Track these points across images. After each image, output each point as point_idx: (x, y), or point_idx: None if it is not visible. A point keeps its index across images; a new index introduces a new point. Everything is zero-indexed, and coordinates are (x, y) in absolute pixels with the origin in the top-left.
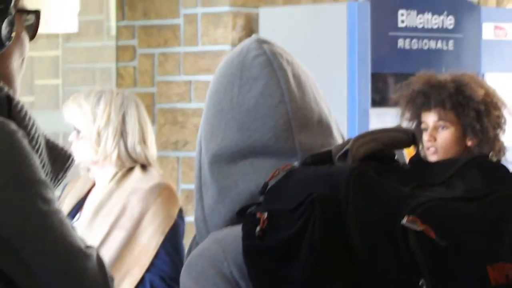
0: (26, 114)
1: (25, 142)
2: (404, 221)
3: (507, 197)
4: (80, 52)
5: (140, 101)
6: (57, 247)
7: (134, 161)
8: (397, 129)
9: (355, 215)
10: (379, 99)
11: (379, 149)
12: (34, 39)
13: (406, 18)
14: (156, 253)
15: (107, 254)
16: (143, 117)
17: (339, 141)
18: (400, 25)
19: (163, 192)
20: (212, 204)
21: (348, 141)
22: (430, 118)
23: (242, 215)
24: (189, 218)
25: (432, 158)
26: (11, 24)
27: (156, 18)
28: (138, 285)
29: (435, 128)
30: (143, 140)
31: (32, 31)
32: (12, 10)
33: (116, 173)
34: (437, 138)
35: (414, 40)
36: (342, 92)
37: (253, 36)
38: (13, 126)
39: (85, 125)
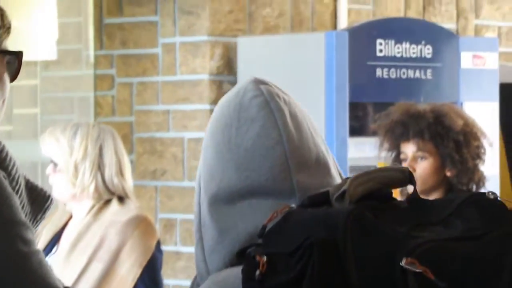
0: (7, 154)
1: (5, 183)
2: (403, 263)
3: (505, 235)
4: (58, 81)
5: (116, 133)
6: None
7: (112, 193)
8: (394, 168)
9: (354, 258)
10: (358, 128)
11: (376, 189)
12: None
13: (384, 47)
14: (134, 286)
15: (85, 287)
16: (120, 149)
17: (337, 179)
18: (378, 54)
19: (141, 224)
20: (212, 245)
21: (345, 181)
22: (409, 149)
23: (241, 257)
24: (168, 248)
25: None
26: None
27: (134, 47)
28: None
29: (414, 159)
30: (120, 172)
31: (14, 72)
32: None
33: (93, 206)
34: (416, 169)
35: (393, 69)
36: (320, 121)
37: (250, 78)
38: None
39: (62, 158)
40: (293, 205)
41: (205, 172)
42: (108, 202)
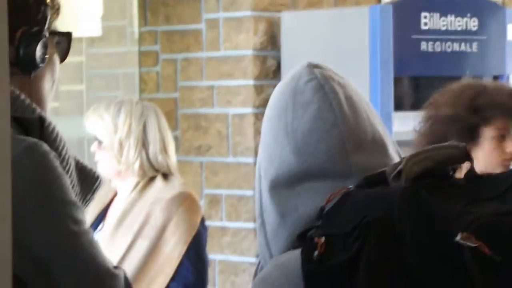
0: (57, 135)
1: (56, 163)
2: (458, 238)
3: None
4: (104, 57)
5: (159, 110)
6: (86, 267)
7: (156, 170)
8: (451, 146)
9: (410, 235)
10: (402, 103)
11: (432, 167)
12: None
13: (429, 20)
14: (180, 262)
15: (131, 264)
16: (164, 126)
17: (396, 159)
18: (423, 27)
19: (185, 201)
20: (274, 229)
21: (401, 161)
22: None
23: (302, 239)
24: (214, 223)
25: None
26: (45, 47)
27: (178, 23)
28: None
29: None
30: (164, 149)
31: (63, 53)
32: (46, 33)
33: (138, 183)
34: None
35: (438, 43)
36: (364, 96)
37: (305, 61)
38: (45, 147)
39: (107, 136)
40: (351, 186)
41: (264, 158)
42: (152, 179)
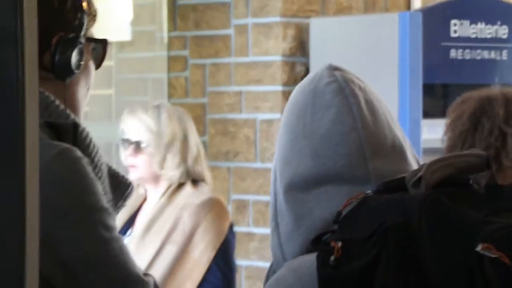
0: (90, 141)
1: (89, 169)
2: (479, 248)
3: None
4: (133, 62)
5: (186, 113)
6: (117, 274)
7: (189, 176)
8: (471, 154)
9: (429, 242)
10: (431, 110)
11: (453, 175)
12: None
13: (458, 28)
14: (208, 268)
15: (159, 269)
16: (195, 132)
17: (414, 166)
18: (453, 35)
19: (214, 207)
20: (288, 232)
21: (421, 167)
22: None
23: (317, 243)
24: (241, 229)
25: None
26: (81, 53)
27: (207, 28)
28: None
29: None
30: (199, 155)
31: (99, 60)
32: (82, 39)
33: (168, 189)
34: None
35: (467, 50)
36: (393, 103)
37: (325, 64)
38: (78, 153)
39: (151, 140)
40: (369, 192)
41: (280, 159)
42: (182, 184)
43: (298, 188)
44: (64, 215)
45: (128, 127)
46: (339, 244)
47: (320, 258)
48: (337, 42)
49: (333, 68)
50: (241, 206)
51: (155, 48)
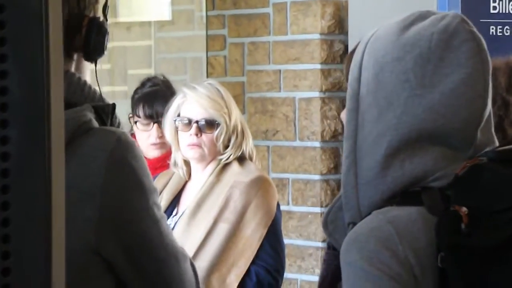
0: (120, 122)
1: (140, 151)
2: None
3: None
4: (172, 41)
5: (227, 91)
6: (167, 252)
7: (240, 154)
8: None
9: None
10: None
11: None
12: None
13: (498, 4)
14: (261, 246)
15: (212, 246)
16: (232, 107)
17: (495, 138)
18: (492, 11)
19: (263, 185)
20: (370, 175)
21: None
22: None
23: (406, 198)
24: (281, 207)
25: None
26: (108, 34)
27: (245, 7)
28: (244, 277)
29: None
30: (246, 133)
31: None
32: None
33: (215, 167)
34: None
35: (507, 27)
36: None
37: (455, 14)
38: (130, 136)
39: (222, 120)
40: (482, 158)
41: (378, 94)
42: (228, 163)
43: (396, 135)
44: (129, 202)
45: (189, 105)
46: (464, 209)
47: (445, 221)
48: (376, 20)
49: (468, 24)
50: (281, 184)
51: (194, 27)
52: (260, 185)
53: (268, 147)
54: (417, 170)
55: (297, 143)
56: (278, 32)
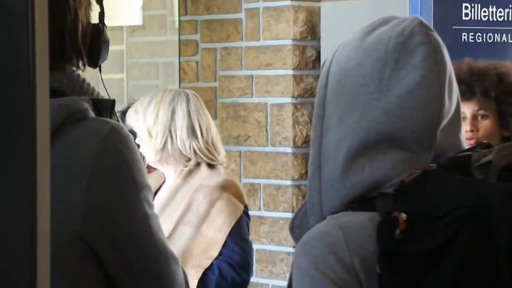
0: (119, 118)
1: (134, 144)
2: None
3: None
4: (144, 46)
5: (195, 96)
6: (156, 250)
7: (187, 157)
8: None
9: (507, 237)
10: None
11: None
12: None
13: (470, 11)
14: (224, 244)
15: (174, 249)
16: (194, 112)
17: (462, 142)
18: (464, 18)
19: (229, 188)
20: (331, 180)
21: (490, 151)
22: (468, 108)
23: (363, 203)
24: (251, 212)
25: None
26: (108, 39)
27: (218, 12)
28: (206, 271)
29: (474, 117)
30: (194, 135)
31: None
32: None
33: (182, 170)
34: (479, 128)
35: (479, 34)
36: None
37: (414, 18)
38: (126, 129)
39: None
40: (432, 165)
41: (339, 99)
42: (197, 166)
43: (355, 139)
44: (116, 190)
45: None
46: (403, 216)
47: (383, 227)
48: (348, 26)
49: (425, 26)
50: (252, 189)
51: (166, 32)
52: (226, 187)
53: (240, 152)
54: (377, 175)
55: (269, 148)
56: (250, 37)
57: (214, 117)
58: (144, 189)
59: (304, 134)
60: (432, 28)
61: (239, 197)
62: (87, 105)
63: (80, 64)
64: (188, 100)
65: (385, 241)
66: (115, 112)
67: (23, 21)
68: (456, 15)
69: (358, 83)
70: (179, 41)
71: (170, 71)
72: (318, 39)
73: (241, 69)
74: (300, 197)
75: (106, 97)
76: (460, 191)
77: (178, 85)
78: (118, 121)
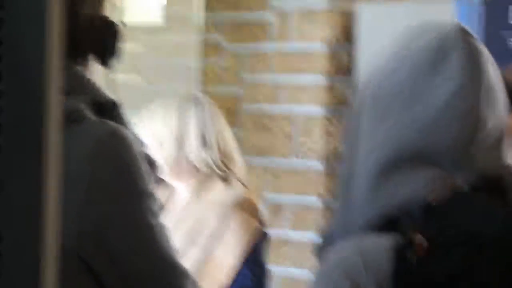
0: (128, 121)
1: (139, 150)
2: None
3: None
4: (163, 47)
5: (208, 101)
6: (163, 264)
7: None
8: None
9: None
10: None
11: None
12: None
13: None
14: (237, 268)
15: None
16: (210, 119)
17: (506, 159)
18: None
19: (245, 206)
20: (359, 199)
21: None
22: None
23: (390, 224)
24: (275, 233)
25: None
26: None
27: (245, 11)
28: None
29: None
30: (204, 145)
31: None
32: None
33: (192, 184)
34: None
35: None
36: None
37: (455, 23)
38: (129, 133)
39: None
40: (465, 186)
41: (371, 103)
42: (210, 180)
43: (384, 152)
44: (116, 199)
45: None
46: (422, 240)
47: (399, 251)
48: (387, 31)
49: (465, 33)
50: (277, 208)
51: (188, 32)
52: (240, 206)
53: (264, 165)
54: (406, 194)
55: (296, 161)
56: (279, 40)
57: (238, 126)
58: (148, 197)
59: (336, 147)
60: (477, 34)
61: (256, 216)
62: (84, 106)
63: (89, 63)
64: (199, 106)
65: (400, 266)
66: (121, 115)
67: (38, 17)
68: (504, 19)
69: (392, 90)
70: (201, 41)
71: (190, 74)
72: (354, 44)
73: (269, 74)
74: (329, 217)
75: (113, 98)
76: (485, 219)
77: (198, 89)
78: (124, 124)
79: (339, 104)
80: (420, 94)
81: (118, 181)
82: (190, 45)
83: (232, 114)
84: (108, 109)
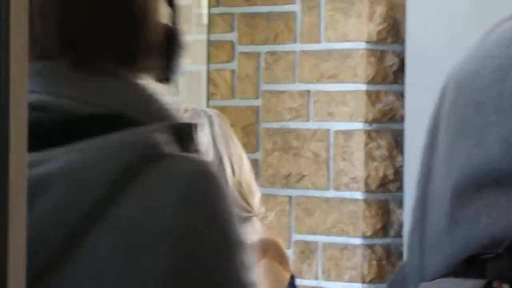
0: (201, 147)
1: (228, 190)
2: None
3: None
4: None
5: (221, 118)
6: None
7: None
8: None
9: None
10: None
11: None
12: None
13: None
14: None
15: None
16: (224, 140)
17: None
18: None
19: (269, 250)
20: (437, 233)
21: None
22: None
23: (471, 265)
24: (306, 281)
25: None
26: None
27: (263, 4)
28: None
29: None
30: (248, 178)
31: None
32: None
33: None
34: None
35: None
36: None
37: None
38: (215, 168)
39: None
40: None
41: (449, 121)
42: None
43: (465, 175)
44: (206, 256)
45: None
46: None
47: None
48: (440, 25)
49: None
50: (307, 250)
51: (191, 30)
52: (263, 251)
53: (290, 198)
54: (497, 227)
55: (331, 193)
56: (307, 38)
57: (255, 148)
58: (242, 249)
59: (381, 174)
60: None
61: (283, 263)
62: (162, 137)
63: (142, 75)
64: (211, 124)
65: None
66: (198, 140)
67: None
68: None
69: (472, 100)
70: (208, 41)
71: (195, 83)
72: (402, 42)
73: (294, 82)
74: (374, 262)
75: (189, 121)
76: None
77: (205, 103)
78: (199, 152)
79: (385, 119)
80: (507, 104)
81: (209, 234)
82: (194, 46)
83: (250, 134)
84: (186, 136)
